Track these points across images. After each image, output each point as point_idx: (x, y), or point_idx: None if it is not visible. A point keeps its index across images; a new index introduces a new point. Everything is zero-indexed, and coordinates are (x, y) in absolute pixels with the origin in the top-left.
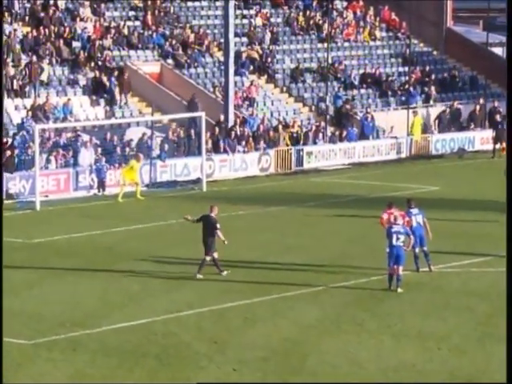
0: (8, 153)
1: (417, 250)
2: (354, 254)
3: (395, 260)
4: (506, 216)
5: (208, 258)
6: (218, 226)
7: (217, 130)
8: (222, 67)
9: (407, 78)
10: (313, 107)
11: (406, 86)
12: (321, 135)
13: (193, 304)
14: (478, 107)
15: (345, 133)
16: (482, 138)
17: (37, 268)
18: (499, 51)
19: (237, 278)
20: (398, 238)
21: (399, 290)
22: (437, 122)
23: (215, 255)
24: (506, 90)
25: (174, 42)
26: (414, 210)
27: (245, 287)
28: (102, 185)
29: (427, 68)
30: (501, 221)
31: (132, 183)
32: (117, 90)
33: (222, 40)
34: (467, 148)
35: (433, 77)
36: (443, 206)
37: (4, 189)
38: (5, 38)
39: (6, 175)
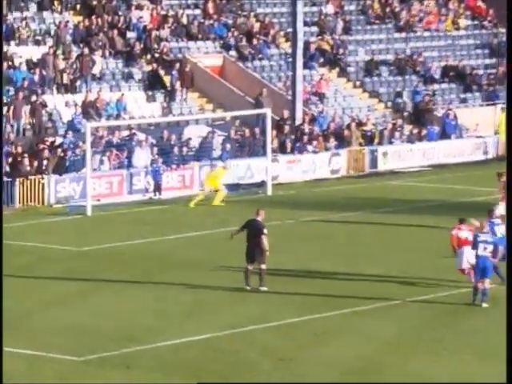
0: (58, 152)
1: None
2: (434, 266)
3: (481, 272)
4: (506, 216)
5: (264, 267)
6: (266, 231)
7: (285, 128)
8: (290, 60)
9: (494, 71)
10: (389, 103)
11: (493, 80)
12: (397, 134)
13: (256, 318)
14: None
15: (424, 131)
16: None
17: (87, 279)
18: None
19: (305, 290)
20: (484, 248)
21: (484, 304)
22: None
23: (263, 267)
24: (506, 89)
25: (237, 32)
26: (497, 220)
27: (313, 300)
28: (158, 188)
29: None
30: None
31: (212, 189)
32: (177, 85)
33: (290, 30)
34: None
35: None
36: None
37: (53, 192)
38: (54, 28)
39: (55, 177)
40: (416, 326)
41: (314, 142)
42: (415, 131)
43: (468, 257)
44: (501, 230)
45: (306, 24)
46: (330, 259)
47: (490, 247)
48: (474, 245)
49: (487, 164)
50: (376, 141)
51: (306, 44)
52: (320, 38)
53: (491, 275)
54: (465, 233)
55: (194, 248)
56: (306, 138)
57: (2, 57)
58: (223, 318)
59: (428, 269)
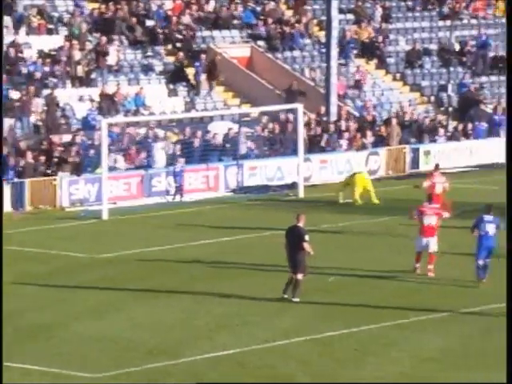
0: (73, 151)
1: (480, 262)
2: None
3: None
4: (506, 216)
5: (300, 277)
6: (307, 237)
7: (317, 124)
8: (324, 50)
9: None
10: (432, 98)
11: None
12: (441, 131)
13: (292, 332)
14: None
15: (471, 128)
16: None
17: (113, 288)
18: None
19: (343, 301)
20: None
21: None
22: None
23: (299, 277)
24: (506, 89)
25: (266, 19)
26: (488, 217)
27: (352, 312)
28: (179, 190)
29: None
30: None
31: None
32: (201, 78)
33: (324, 17)
34: None
35: None
36: None
37: (66, 195)
38: (68, 16)
39: (68, 179)
40: (464, 341)
41: (350, 140)
42: (460, 127)
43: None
44: (488, 227)
45: (341, 11)
46: (368, 267)
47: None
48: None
49: None
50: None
51: (342, 33)
52: (357, 26)
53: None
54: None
55: (222, 255)
56: (342, 135)
57: (2, 57)
58: (257, 331)
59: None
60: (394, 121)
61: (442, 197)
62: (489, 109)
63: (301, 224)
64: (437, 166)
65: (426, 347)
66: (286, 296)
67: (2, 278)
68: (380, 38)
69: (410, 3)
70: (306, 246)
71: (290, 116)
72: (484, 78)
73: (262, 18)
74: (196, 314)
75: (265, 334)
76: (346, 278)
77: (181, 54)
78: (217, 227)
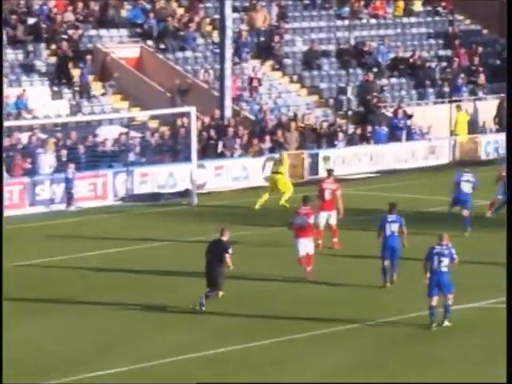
0: None
1: (386, 263)
2: (388, 286)
3: (438, 288)
4: (506, 217)
5: (221, 293)
6: (231, 251)
7: (210, 129)
8: (217, 50)
9: (450, 63)
10: (331, 100)
11: (449, 75)
12: (341, 135)
13: (184, 348)
14: None
15: (371, 133)
16: None
17: None
18: None
19: (241, 313)
20: (440, 261)
21: (446, 322)
22: (496, 118)
23: (221, 293)
24: (506, 89)
25: (156, 18)
26: (392, 217)
27: (250, 326)
28: (69, 198)
29: (475, 51)
30: None
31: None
32: (88, 80)
33: (217, 16)
34: None
35: (482, 62)
36: (496, 224)
37: None
38: None
39: None
40: (364, 356)
41: (246, 146)
42: (359, 131)
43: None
44: (392, 227)
45: (235, 10)
46: (274, 278)
47: (447, 260)
48: (428, 257)
49: (442, 170)
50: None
51: (236, 33)
52: (251, 25)
53: (452, 290)
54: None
55: (111, 266)
56: (237, 140)
57: (1, 58)
58: (145, 348)
59: (380, 288)
60: (292, 125)
61: (332, 202)
62: (389, 112)
63: (225, 238)
64: (329, 172)
65: (324, 362)
66: (203, 308)
67: (1, 277)
68: (276, 38)
69: (306, 1)
70: (227, 258)
71: (184, 119)
72: (384, 81)
73: (151, 16)
74: (80, 330)
75: (154, 351)
76: (244, 289)
77: (65, 54)
78: (103, 238)
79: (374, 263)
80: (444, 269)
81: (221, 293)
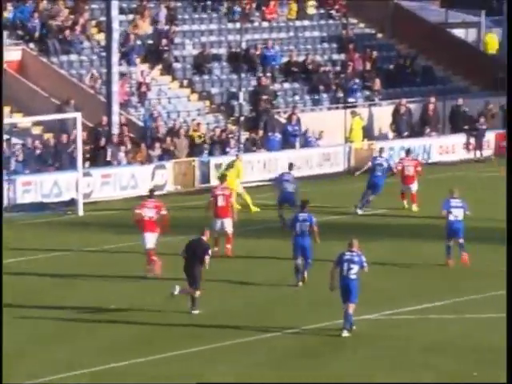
0: None
1: (298, 261)
2: (281, 299)
3: (345, 296)
4: (506, 217)
5: (198, 293)
6: (210, 252)
7: (97, 136)
8: (104, 54)
9: (344, 68)
10: (222, 106)
11: (343, 80)
12: (233, 142)
13: (72, 364)
14: (431, 106)
15: (263, 139)
16: (440, 147)
17: None
18: (462, 34)
19: (127, 329)
20: (349, 269)
21: (345, 333)
22: (393, 124)
23: (197, 294)
24: (507, 89)
25: (40, 19)
26: (303, 215)
27: (139, 342)
28: None
29: (370, 56)
30: (476, 250)
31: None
32: None
33: (103, 18)
34: (423, 159)
35: (377, 67)
36: (391, 233)
37: None
38: None
39: None
40: (255, 371)
41: (134, 153)
42: (252, 137)
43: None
44: (302, 227)
45: (122, 11)
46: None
47: (356, 268)
48: (338, 263)
49: (337, 178)
50: (207, 151)
51: (124, 35)
52: (137, 28)
53: (356, 300)
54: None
55: None
56: (125, 147)
57: (2, 58)
58: (31, 365)
59: (276, 302)
60: (182, 131)
61: (226, 209)
62: (282, 118)
63: (205, 238)
64: (221, 178)
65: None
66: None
67: (1, 277)
68: (164, 42)
69: (196, 4)
70: (207, 260)
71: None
72: (277, 86)
73: (35, 16)
74: None
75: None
76: (131, 304)
77: None
78: None
79: (270, 273)
80: (353, 276)
81: (198, 292)
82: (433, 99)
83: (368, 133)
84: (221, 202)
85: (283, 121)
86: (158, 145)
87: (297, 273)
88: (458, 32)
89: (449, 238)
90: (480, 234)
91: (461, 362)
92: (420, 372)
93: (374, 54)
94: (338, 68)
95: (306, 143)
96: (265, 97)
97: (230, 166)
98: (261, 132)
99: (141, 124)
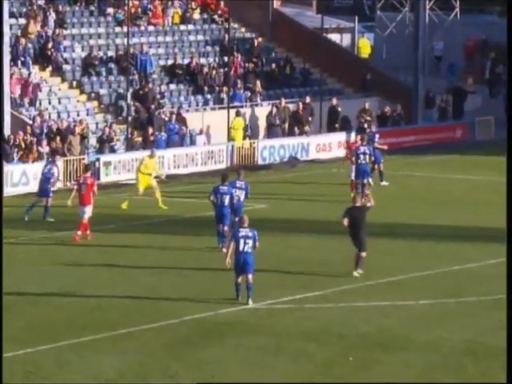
0: None
1: (225, 228)
2: (163, 289)
3: (241, 268)
4: (506, 217)
5: (363, 254)
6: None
7: None
8: None
9: (227, 70)
10: (111, 107)
11: (225, 81)
12: (122, 141)
13: None
14: (301, 106)
15: (151, 136)
16: (318, 145)
17: None
18: (337, 38)
19: (14, 319)
20: (245, 243)
21: (250, 301)
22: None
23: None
24: (507, 89)
25: None
26: (223, 188)
27: (27, 331)
28: None
29: (251, 59)
30: (338, 246)
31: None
32: None
33: None
34: (300, 157)
35: (258, 70)
36: (271, 227)
37: None
38: None
39: None
40: (143, 359)
41: (26, 152)
42: (140, 138)
43: None
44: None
45: (12, 15)
46: (51, 284)
47: (251, 242)
48: (235, 239)
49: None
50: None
51: (14, 38)
52: (24, 31)
53: (252, 271)
54: None
55: None
56: (17, 146)
57: (2, 57)
58: None
59: (157, 291)
60: (77, 130)
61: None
62: (167, 118)
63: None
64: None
65: (101, 367)
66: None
67: (1, 276)
68: (51, 44)
69: (84, 10)
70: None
71: None
72: (163, 87)
73: None
74: None
75: None
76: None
77: None
78: None
79: (152, 268)
80: (249, 250)
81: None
82: (307, 99)
83: (252, 132)
84: (83, 189)
85: (168, 120)
86: (45, 143)
87: (219, 239)
88: (334, 37)
89: None
90: None
91: (332, 350)
92: (294, 359)
93: (255, 57)
94: (221, 70)
95: (192, 142)
96: (151, 98)
97: (142, 161)
98: (150, 131)
99: (30, 123)
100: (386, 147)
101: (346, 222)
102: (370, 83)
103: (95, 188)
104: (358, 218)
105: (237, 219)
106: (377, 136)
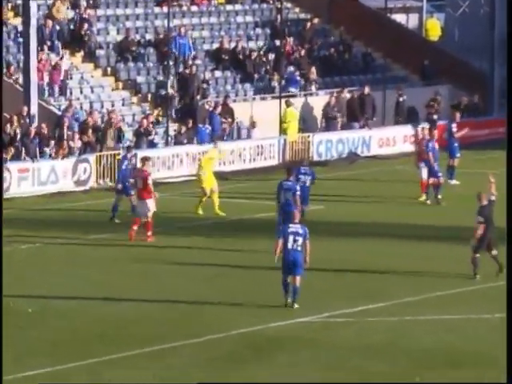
0: None
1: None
2: (208, 298)
3: (289, 267)
4: (505, 217)
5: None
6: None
7: (14, 127)
8: (21, 40)
9: (278, 55)
10: (149, 96)
11: (276, 68)
12: (160, 134)
13: None
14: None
15: (191, 130)
16: (380, 139)
17: None
18: (402, 19)
19: (45, 335)
20: (295, 241)
21: (296, 305)
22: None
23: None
24: (507, 89)
25: None
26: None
27: (57, 348)
28: None
29: (305, 43)
30: (404, 252)
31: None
32: None
33: (20, 1)
34: (360, 152)
35: (313, 55)
36: (328, 231)
37: None
38: None
39: None
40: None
41: (55, 146)
42: (183, 130)
43: None
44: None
45: None
46: (83, 292)
47: (301, 239)
48: (283, 235)
49: (272, 172)
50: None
51: (42, 21)
52: (55, 13)
53: (301, 272)
54: None
55: None
56: (45, 139)
57: (1, 53)
58: None
59: (206, 301)
60: (113, 122)
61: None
62: (212, 109)
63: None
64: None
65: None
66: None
67: (1, 276)
68: (86, 26)
69: None
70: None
71: None
72: (208, 74)
73: None
74: None
75: None
76: (56, 304)
77: None
78: None
79: (196, 275)
80: (299, 248)
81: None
82: (366, 90)
83: (304, 125)
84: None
85: (213, 111)
86: (77, 137)
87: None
88: (399, 17)
89: None
90: None
91: (394, 365)
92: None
93: (310, 40)
94: (272, 55)
95: (238, 136)
96: (195, 85)
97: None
98: (190, 123)
99: (60, 114)
100: (466, 129)
101: (482, 229)
102: (435, 70)
103: (150, 182)
104: (489, 216)
105: (305, 208)
106: (453, 125)
